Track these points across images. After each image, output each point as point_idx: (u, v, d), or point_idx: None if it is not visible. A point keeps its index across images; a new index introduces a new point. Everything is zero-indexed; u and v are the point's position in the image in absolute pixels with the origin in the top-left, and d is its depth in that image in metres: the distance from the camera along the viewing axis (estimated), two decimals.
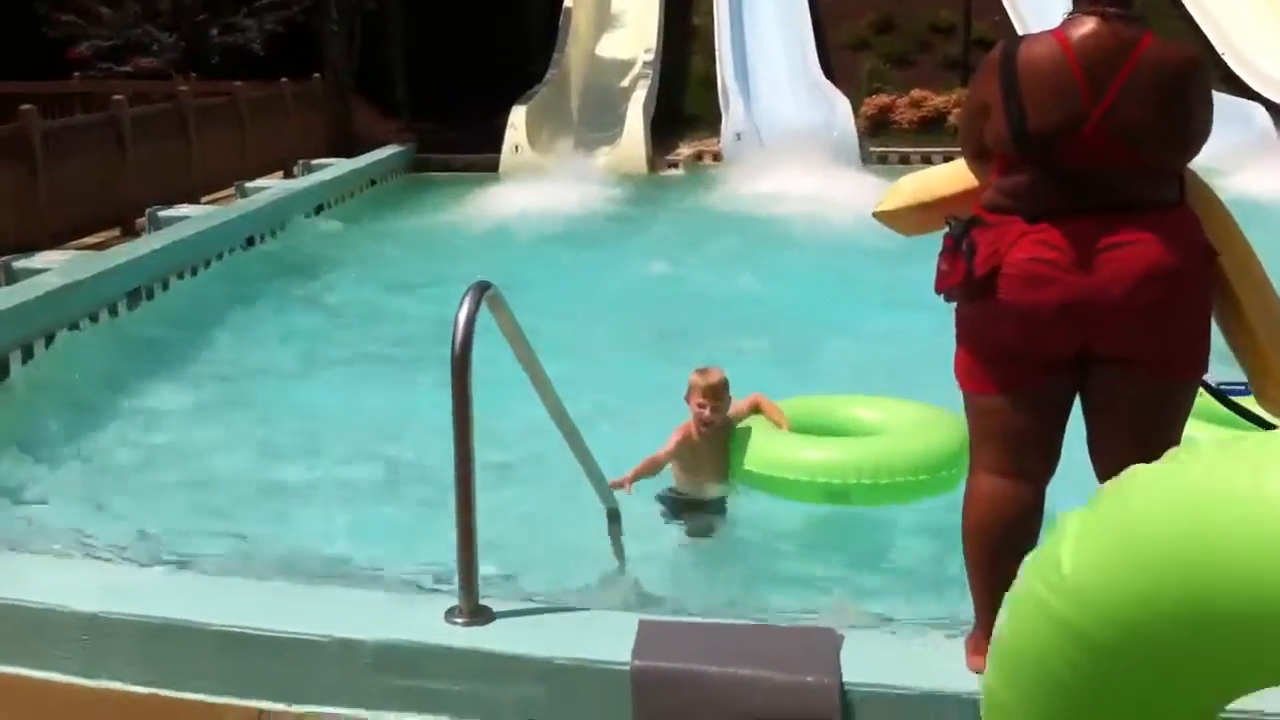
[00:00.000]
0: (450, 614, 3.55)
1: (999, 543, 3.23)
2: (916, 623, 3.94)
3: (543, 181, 16.57)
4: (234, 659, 3.54)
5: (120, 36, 21.14)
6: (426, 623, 3.52)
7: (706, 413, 5.25)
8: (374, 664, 3.45)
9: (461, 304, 3.56)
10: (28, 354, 7.85)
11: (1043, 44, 3.07)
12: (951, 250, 3.14)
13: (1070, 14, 3.10)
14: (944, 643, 3.41)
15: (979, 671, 3.23)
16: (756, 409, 5.52)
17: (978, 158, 3.30)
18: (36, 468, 6.09)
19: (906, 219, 3.81)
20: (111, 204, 12.26)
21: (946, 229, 3.19)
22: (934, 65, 22.39)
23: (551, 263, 11.52)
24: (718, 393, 5.28)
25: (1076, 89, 2.99)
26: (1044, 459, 3.21)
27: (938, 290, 3.21)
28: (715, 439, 5.36)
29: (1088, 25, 3.03)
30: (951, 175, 3.65)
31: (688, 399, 5.32)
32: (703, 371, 5.35)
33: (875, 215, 3.87)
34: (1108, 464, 3.17)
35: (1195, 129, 3.07)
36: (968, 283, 3.09)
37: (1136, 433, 3.10)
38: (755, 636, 3.44)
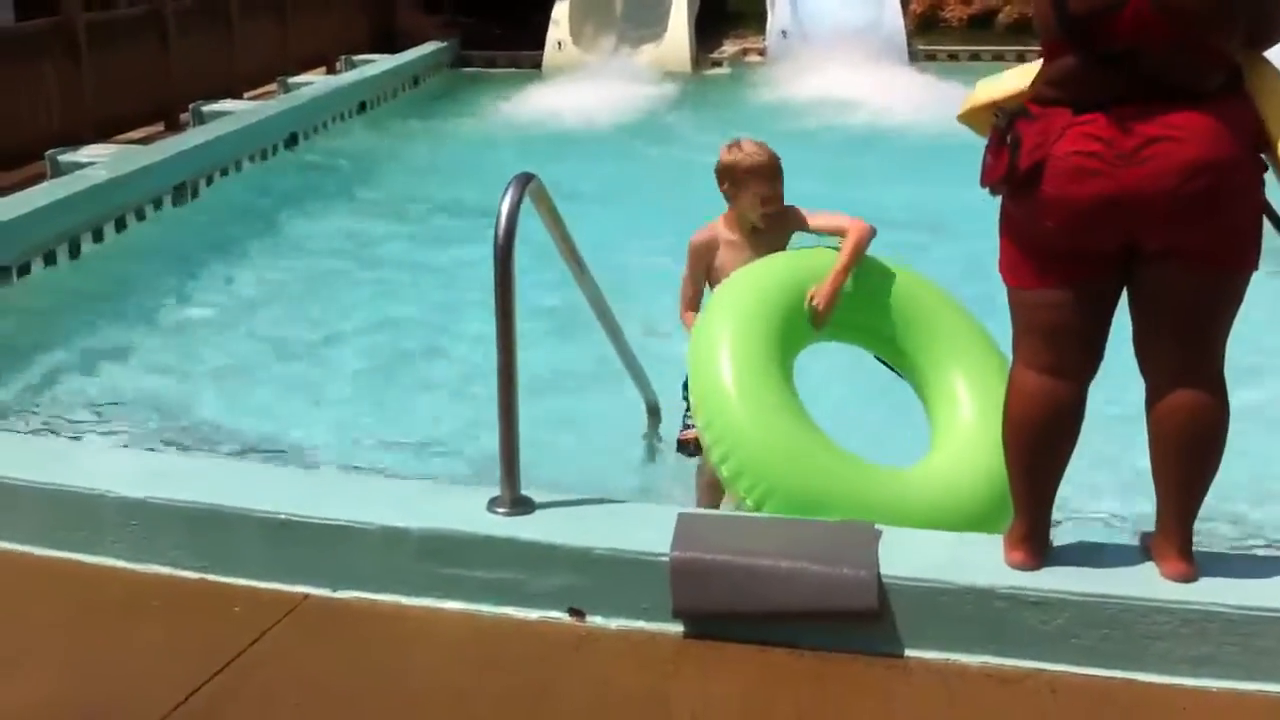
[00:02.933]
0: (492, 504, 3.59)
1: (1039, 440, 3.22)
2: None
3: (586, 78, 16.40)
4: (280, 545, 3.60)
5: None
6: (469, 512, 3.56)
7: (773, 206, 4.11)
8: (417, 551, 3.50)
9: (505, 195, 3.55)
10: (74, 248, 7.91)
11: None
12: (996, 143, 3.08)
13: None
14: (982, 538, 3.42)
15: (1017, 566, 3.25)
16: (840, 232, 4.05)
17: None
18: (83, 358, 6.17)
19: (984, 119, 3.75)
20: (155, 97, 12.24)
21: (993, 122, 3.13)
22: None
23: (595, 159, 11.44)
24: (779, 174, 4.12)
25: None
26: (1087, 356, 3.18)
27: (983, 184, 3.16)
28: (765, 241, 4.14)
29: None
30: (1023, 73, 3.59)
31: (731, 190, 4.13)
32: (737, 146, 4.14)
33: (960, 118, 3.82)
34: (1155, 361, 3.14)
35: (1246, 5, 2.93)
36: (1012, 176, 3.03)
37: (1184, 328, 3.07)
38: (794, 529, 3.45)
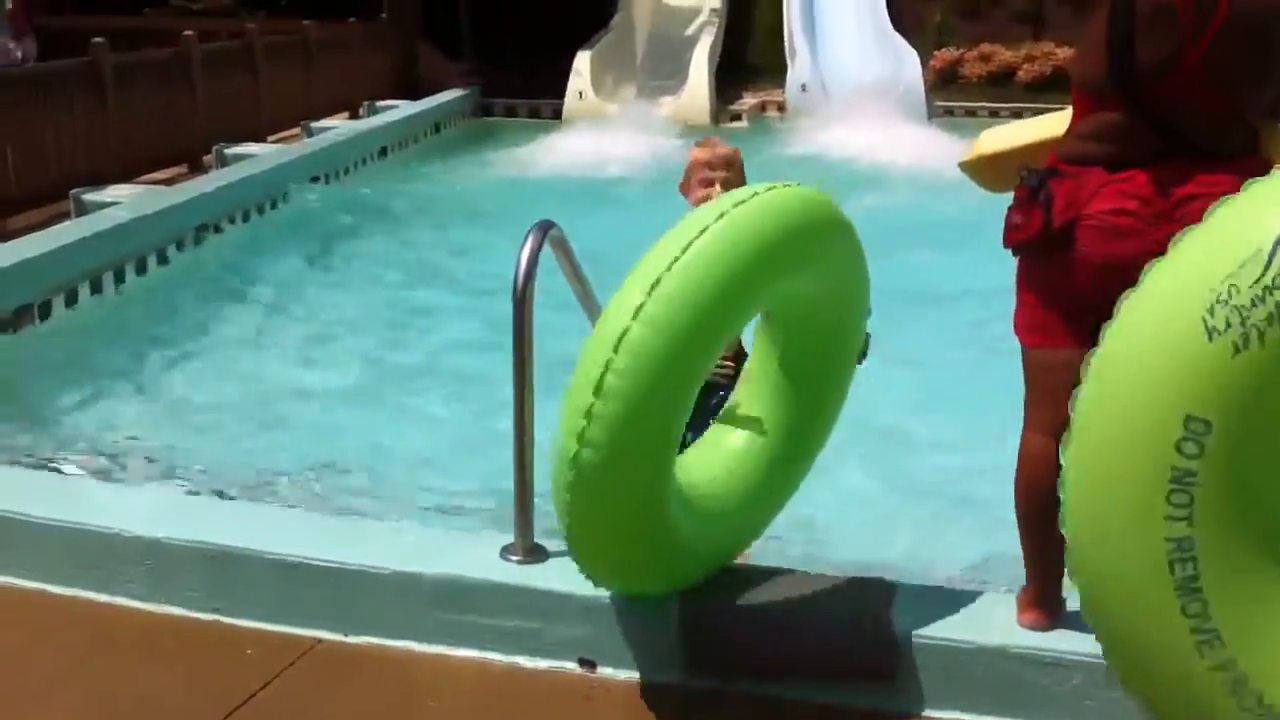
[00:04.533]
0: (506, 551, 3.59)
1: (1050, 505, 3.20)
2: (969, 577, 3.96)
3: (606, 128, 16.52)
4: (293, 588, 3.61)
5: None
6: (482, 559, 3.57)
7: (715, 190, 3.82)
8: (430, 598, 3.50)
9: (524, 242, 3.57)
10: (96, 286, 7.97)
11: None
12: (1026, 201, 3.07)
13: None
14: (996, 597, 3.41)
15: (1030, 627, 3.24)
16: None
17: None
18: (103, 396, 6.21)
19: (989, 170, 3.75)
20: (180, 140, 12.36)
21: (1020, 180, 3.12)
22: (1004, 19, 21.97)
23: (614, 208, 11.51)
24: (732, 163, 3.98)
25: (1178, 24, 2.89)
26: None
27: (1007, 244, 3.14)
28: None
29: None
30: (1036, 126, 3.60)
31: (686, 188, 4.03)
32: (706, 144, 4.09)
33: (962, 167, 3.83)
34: None
35: None
36: (1045, 234, 3.02)
37: None
38: (808, 583, 3.45)
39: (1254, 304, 2.16)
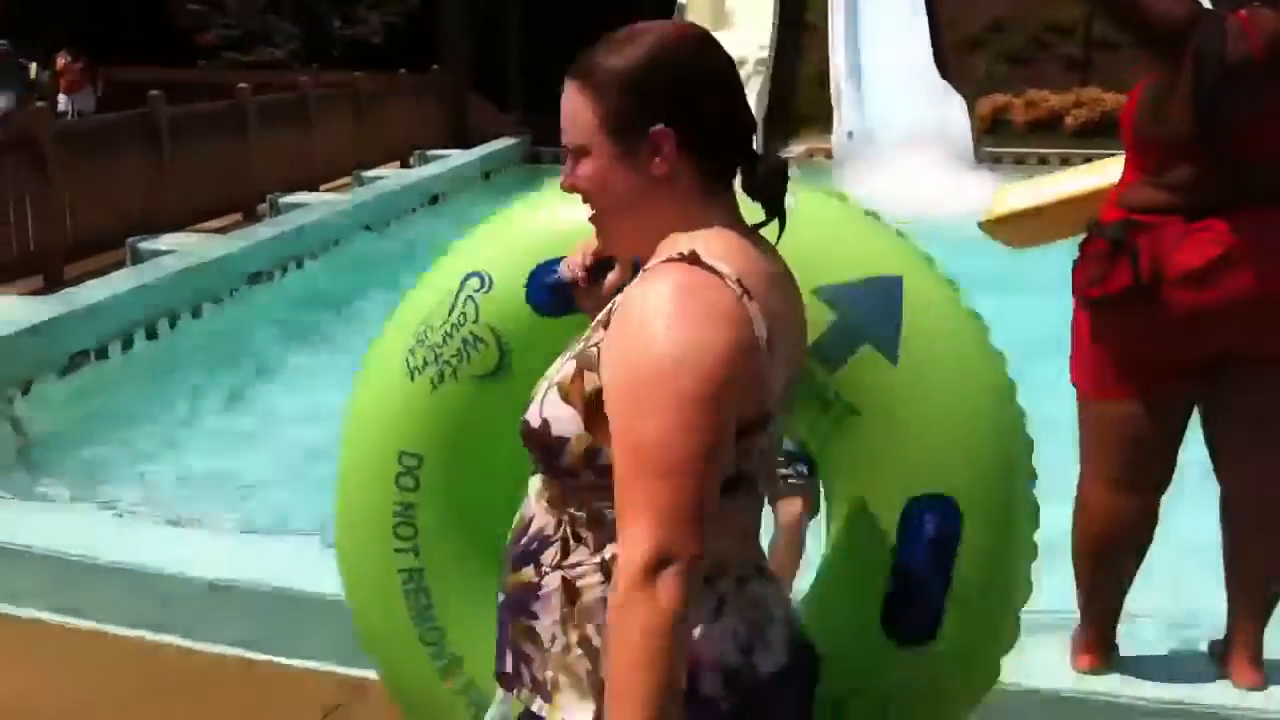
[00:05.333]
0: None
1: (1108, 554, 3.20)
2: (1024, 619, 3.92)
3: None
4: (347, 627, 3.64)
5: (245, 26, 21.62)
6: None
7: None
8: None
9: None
10: (151, 332, 8.09)
11: (1230, 24, 2.94)
12: (1108, 254, 3.01)
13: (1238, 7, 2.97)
14: (1050, 641, 3.40)
15: (1085, 670, 3.23)
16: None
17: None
18: (159, 439, 6.29)
19: (1011, 228, 3.74)
20: (234, 189, 12.55)
21: (1093, 232, 3.08)
22: (1052, 65, 22.00)
23: None
24: None
25: (1258, 73, 2.90)
26: (1165, 470, 3.16)
27: (1089, 297, 3.08)
28: None
29: (1263, 11, 2.93)
30: (1057, 182, 3.61)
31: None
32: None
33: (981, 226, 3.82)
34: (1234, 468, 3.12)
35: None
36: (1134, 287, 2.98)
37: (1267, 434, 3.05)
38: None
39: (445, 341, 2.30)
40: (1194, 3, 3.01)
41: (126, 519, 4.76)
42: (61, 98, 17.93)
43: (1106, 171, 3.31)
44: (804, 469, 3.41)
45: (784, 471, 3.44)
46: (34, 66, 18.86)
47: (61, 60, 18.37)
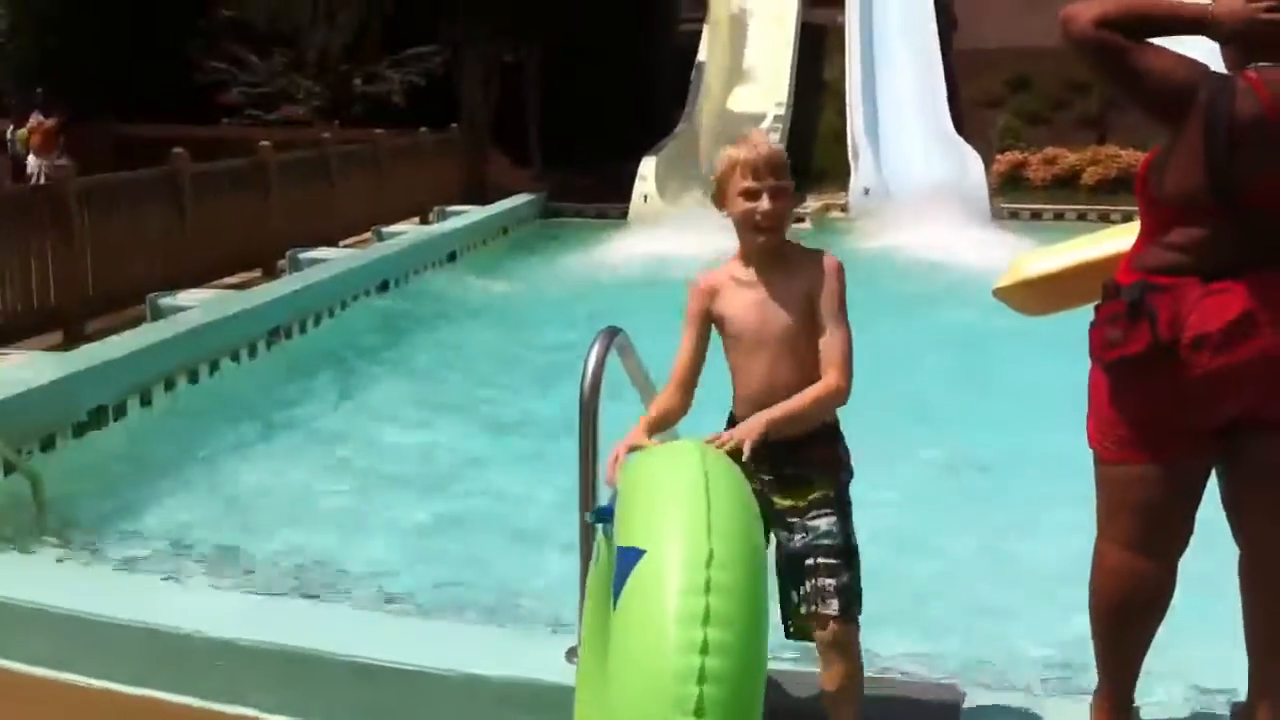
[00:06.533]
0: (571, 654, 3.60)
1: (1125, 616, 3.17)
2: (1041, 683, 3.90)
3: (670, 231, 16.69)
4: (362, 690, 3.63)
5: (268, 85, 21.85)
6: (548, 661, 3.58)
7: (763, 204, 3.12)
8: (497, 699, 3.51)
9: (591, 349, 3.61)
10: (169, 386, 8.12)
11: (1239, 84, 2.94)
12: (1126, 316, 2.99)
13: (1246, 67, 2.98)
14: (1068, 703, 3.37)
15: None
16: None
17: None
18: (177, 496, 6.30)
19: (1031, 295, 3.74)
20: (254, 245, 12.66)
21: (1110, 295, 3.06)
22: (1069, 123, 22.11)
23: (678, 310, 11.58)
24: (775, 168, 3.16)
25: (1270, 132, 2.89)
26: (1182, 534, 3.13)
27: (1107, 360, 3.07)
28: (782, 280, 3.20)
29: (1273, 71, 2.93)
30: (1074, 249, 3.61)
31: (722, 199, 3.23)
32: (745, 141, 3.24)
33: (995, 294, 3.81)
34: (1254, 532, 3.09)
35: None
36: (1153, 349, 2.95)
37: None
38: (874, 689, 3.42)
39: None
40: (1197, 64, 3.02)
41: (141, 577, 4.76)
42: (31, 159, 17.95)
43: (1120, 238, 3.30)
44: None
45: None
46: (11, 128, 18.94)
47: (34, 119, 18.40)
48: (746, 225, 3.15)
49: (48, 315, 9.38)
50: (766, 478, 3.12)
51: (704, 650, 2.31)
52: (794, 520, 3.11)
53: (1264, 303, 2.91)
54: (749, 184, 3.11)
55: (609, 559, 2.70)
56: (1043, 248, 3.82)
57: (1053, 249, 3.78)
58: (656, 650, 2.35)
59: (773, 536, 3.13)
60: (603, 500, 3.54)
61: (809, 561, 3.06)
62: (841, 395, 3.14)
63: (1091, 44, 3.01)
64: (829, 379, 3.11)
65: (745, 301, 3.19)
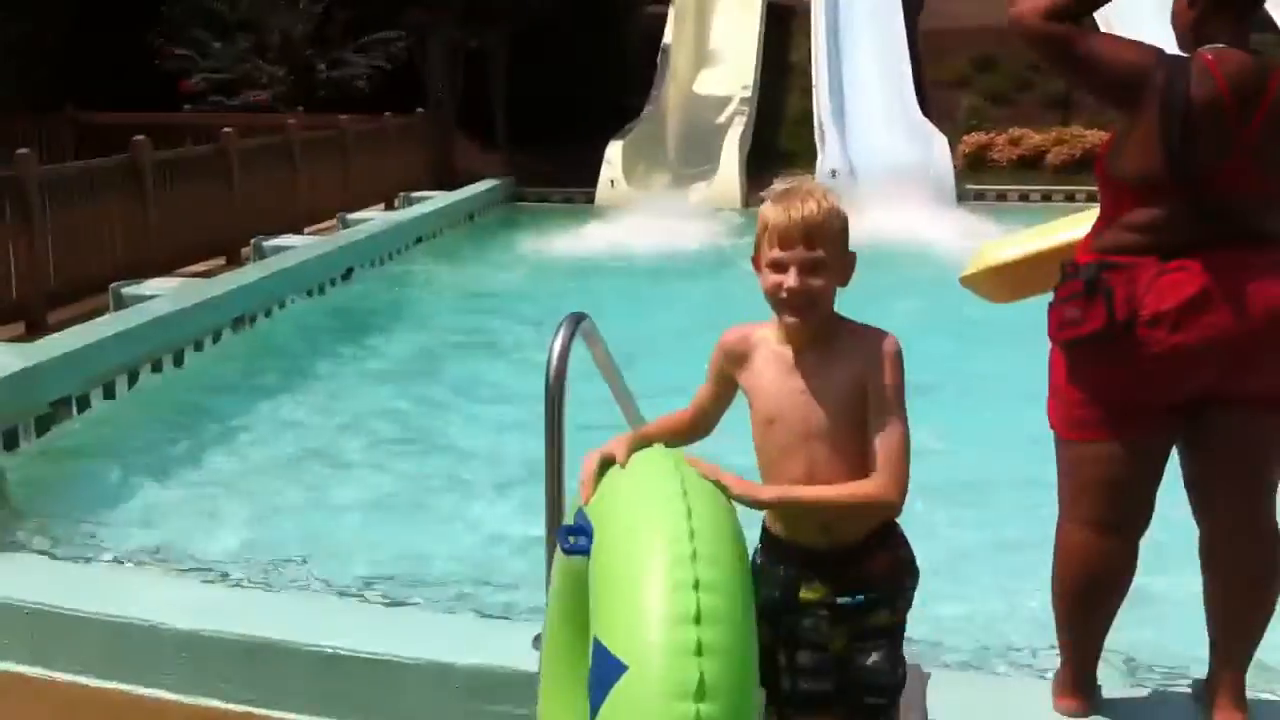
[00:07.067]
0: (538, 640, 3.59)
1: (1089, 596, 3.19)
2: (1003, 663, 3.92)
3: (637, 215, 16.71)
4: (328, 679, 3.62)
5: (231, 71, 21.67)
6: (516, 649, 3.57)
7: (789, 279, 2.57)
8: (464, 688, 3.51)
9: (556, 335, 3.60)
10: (133, 378, 8.07)
11: (1195, 65, 2.97)
12: (1083, 295, 3.02)
13: (1200, 48, 3.01)
14: (1031, 683, 3.39)
15: (1065, 713, 3.22)
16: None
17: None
18: (140, 488, 6.26)
19: (993, 282, 3.76)
20: (218, 233, 12.57)
21: (1068, 275, 3.09)
22: (1034, 103, 22.17)
23: (645, 296, 11.59)
24: (811, 234, 2.59)
25: (1226, 113, 2.92)
26: (1144, 512, 3.16)
27: (1064, 339, 3.09)
28: (828, 365, 2.63)
29: (1227, 52, 2.97)
30: (1038, 234, 3.63)
31: (756, 262, 2.69)
32: (783, 197, 2.68)
33: (962, 281, 3.82)
34: (1213, 509, 3.12)
35: None
36: (1108, 328, 2.98)
37: (1245, 475, 3.06)
38: None
39: None
40: (1148, 47, 3.04)
41: (104, 569, 4.74)
42: None
43: (1086, 224, 3.32)
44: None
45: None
46: None
47: None
48: (772, 302, 2.63)
49: (9, 307, 9.30)
50: (822, 613, 2.61)
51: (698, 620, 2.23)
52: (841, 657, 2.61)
53: (1220, 281, 2.94)
54: (775, 254, 2.60)
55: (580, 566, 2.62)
56: (1008, 235, 3.83)
57: (1019, 235, 3.80)
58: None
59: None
60: (570, 491, 3.54)
61: (848, 703, 2.62)
62: (891, 509, 2.57)
63: (1040, 37, 3.05)
64: (878, 482, 2.52)
65: (782, 387, 2.64)
